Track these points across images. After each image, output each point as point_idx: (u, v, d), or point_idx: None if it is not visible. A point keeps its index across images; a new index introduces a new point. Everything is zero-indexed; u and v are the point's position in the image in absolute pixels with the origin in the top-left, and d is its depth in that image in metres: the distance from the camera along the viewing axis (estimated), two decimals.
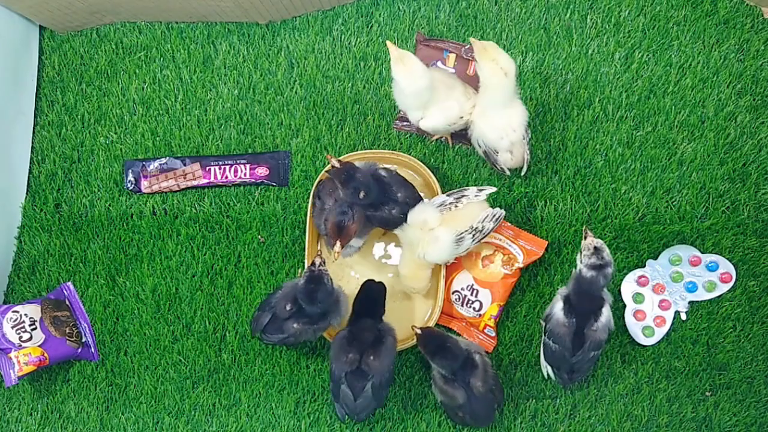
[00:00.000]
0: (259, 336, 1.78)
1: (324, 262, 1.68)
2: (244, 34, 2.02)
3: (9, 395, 1.98)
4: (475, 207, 1.75)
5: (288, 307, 1.70)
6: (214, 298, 1.96)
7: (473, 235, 1.73)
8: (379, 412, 1.89)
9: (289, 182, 1.97)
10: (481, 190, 1.75)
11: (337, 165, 1.68)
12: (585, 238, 1.67)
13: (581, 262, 1.66)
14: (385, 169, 1.77)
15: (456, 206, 1.73)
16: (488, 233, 1.76)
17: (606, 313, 1.68)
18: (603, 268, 1.64)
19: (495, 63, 1.69)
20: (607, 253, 1.65)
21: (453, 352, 1.66)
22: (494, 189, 1.77)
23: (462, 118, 1.79)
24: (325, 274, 1.66)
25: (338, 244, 1.67)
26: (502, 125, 1.74)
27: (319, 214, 1.79)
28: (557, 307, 1.69)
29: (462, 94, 1.78)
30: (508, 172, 1.84)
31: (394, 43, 1.81)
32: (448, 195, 1.75)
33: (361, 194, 1.69)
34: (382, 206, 1.73)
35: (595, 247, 1.65)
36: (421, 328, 1.70)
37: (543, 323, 1.75)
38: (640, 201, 1.90)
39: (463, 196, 1.74)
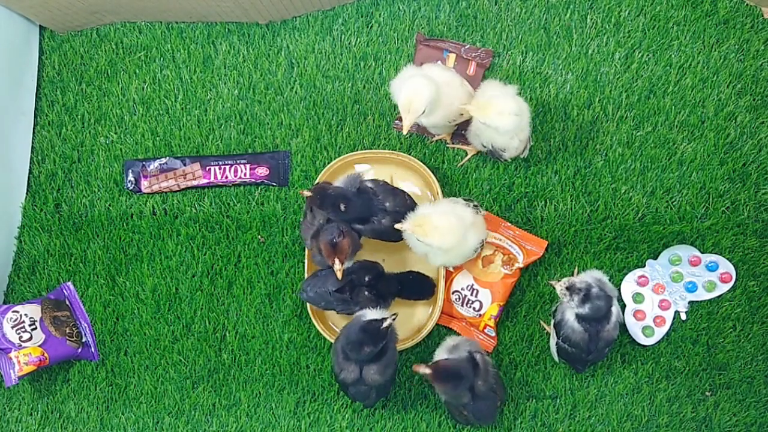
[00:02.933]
0: (301, 288, 1.78)
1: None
2: (244, 34, 2.02)
3: (9, 395, 1.98)
4: (483, 221, 1.76)
5: (367, 279, 1.73)
6: (214, 298, 1.96)
7: (480, 248, 1.76)
8: (379, 412, 1.89)
9: (289, 182, 1.97)
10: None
11: (309, 193, 1.69)
12: (557, 289, 1.67)
13: (572, 307, 1.67)
14: (371, 180, 1.77)
15: (480, 212, 1.75)
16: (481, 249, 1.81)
17: (615, 311, 1.69)
18: (590, 294, 1.64)
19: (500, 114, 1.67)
20: (578, 282, 1.65)
21: (462, 377, 1.64)
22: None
23: (462, 115, 1.78)
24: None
25: (337, 262, 1.67)
26: (511, 129, 1.73)
27: (307, 228, 1.78)
28: (569, 316, 1.69)
29: (459, 86, 1.77)
30: (509, 160, 1.85)
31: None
32: (466, 201, 1.76)
33: (342, 207, 1.68)
34: (370, 218, 1.72)
35: (567, 288, 1.65)
36: (430, 366, 1.62)
37: (553, 325, 1.75)
38: (640, 201, 1.90)
39: (478, 206, 1.75)
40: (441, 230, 1.63)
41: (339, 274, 1.66)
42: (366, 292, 1.73)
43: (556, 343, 1.75)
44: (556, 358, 1.81)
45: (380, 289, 1.76)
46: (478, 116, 1.68)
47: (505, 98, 1.68)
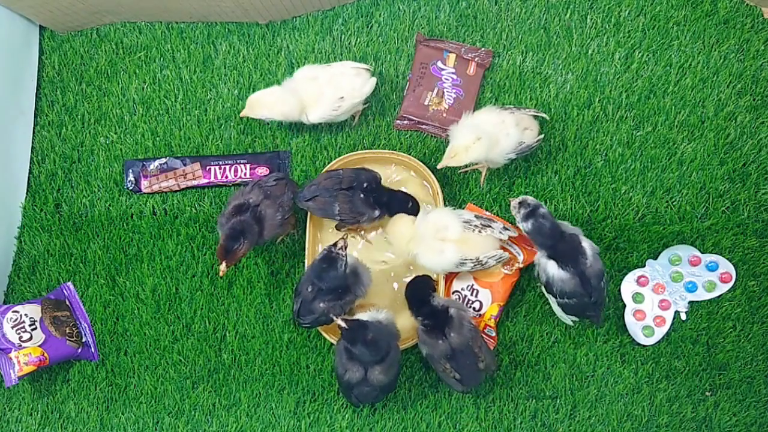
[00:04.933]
0: (297, 323, 1.78)
1: (346, 247, 1.70)
2: (244, 34, 2.02)
3: (9, 395, 1.98)
4: (489, 238, 1.76)
5: (309, 289, 1.72)
6: (214, 298, 1.96)
7: (474, 265, 1.75)
8: (379, 412, 1.89)
9: None
10: (506, 230, 1.77)
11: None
12: (511, 204, 1.72)
13: (519, 222, 1.70)
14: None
15: (479, 232, 1.74)
16: (486, 269, 1.79)
17: (586, 243, 1.70)
18: (536, 212, 1.67)
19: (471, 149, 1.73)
20: (531, 199, 1.69)
21: (422, 295, 1.73)
22: (516, 234, 1.78)
23: (342, 98, 1.82)
24: (340, 258, 1.68)
25: (224, 265, 1.70)
26: (483, 153, 1.76)
27: (237, 197, 1.79)
28: (551, 268, 1.70)
29: (330, 75, 1.83)
30: (541, 134, 1.84)
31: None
32: (476, 217, 1.76)
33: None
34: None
35: (519, 202, 1.70)
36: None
37: (545, 289, 1.75)
38: (640, 201, 1.90)
39: (488, 226, 1.75)
40: (398, 233, 1.77)
41: (221, 274, 1.71)
42: (321, 304, 1.73)
43: (558, 304, 1.75)
44: (568, 321, 1.80)
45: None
46: (453, 165, 1.75)
47: (461, 132, 1.74)
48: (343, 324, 1.64)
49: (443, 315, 1.70)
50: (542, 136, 1.83)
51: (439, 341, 1.69)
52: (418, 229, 1.75)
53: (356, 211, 1.78)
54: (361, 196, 1.77)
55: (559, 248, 1.68)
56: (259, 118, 1.84)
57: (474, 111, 1.86)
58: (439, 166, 1.77)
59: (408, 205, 1.82)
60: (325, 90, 1.82)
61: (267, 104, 1.82)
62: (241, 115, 1.84)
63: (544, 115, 1.84)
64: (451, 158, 1.74)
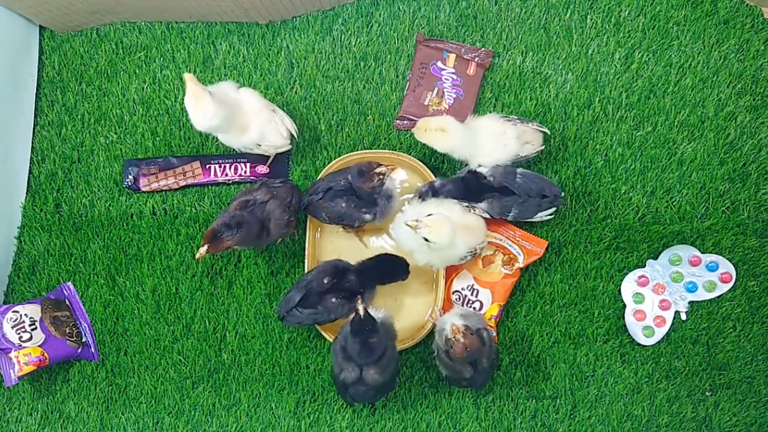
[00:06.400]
0: (284, 315, 1.76)
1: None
2: (244, 34, 2.02)
3: (9, 395, 1.98)
4: (481, 221, 1.76)
5: (326, 281, 1.71)
6: (214, 298, 1.96)
7: (471, 256, 1.76)
8: (379, 412, 1.89)
9: None
10: (485, 211, 1.78)
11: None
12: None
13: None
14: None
15: (473, 210, 1.75)
16: (475, 257, 1.81)
17: (481, 168, 1.77)
18: (431, 193, 1.76)
19: (432, 132, 1.72)
20: (422, 189, 1.76)
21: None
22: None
23: (260, 146, 1.80)
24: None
25: (203, 249, 1.66)
26: (506, 146, 1.76)
27: (242, 194, 1.76)
28: (481, 206, 1.76)
29: (267, 120, 1.78)
30: (542, 146, 1.83)
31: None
32: (459, 202, 1.76)
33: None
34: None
35: (419, 196, 1.77)
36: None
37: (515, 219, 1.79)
38: (640, 201, 1.90)
39: (474, 207, 1.76)
40: (442, 230, 1.63)
41: (198, 256, 1.66)
42: (333, 299, 1.73)
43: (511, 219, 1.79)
44: (545, 216, 1.81)
45: (348, 287, 1.73)
46: (418, 130, 1.74)
47: (459, 128, 1.73)
48: (361, 310, 1.61)
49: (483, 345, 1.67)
50: (543, 147, 1.82)
51: (465, 369, 1.68)
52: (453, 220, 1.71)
53: (341, 215, 1.76)
54: (343, 204, 1.75)
55: (466, 193, 1.73)
56: (187, 104, 1.64)
57: (474, 111, 1.85)
58: (420, 119, 1.75)
59: (370, 170, 1.73)
60: (252, 130, 1.77)
61: (207, 112, 1.65)
62: (186, 77, 1.62)
63: (546, 131, 1.84)
64: (424, 129, 1.72)
